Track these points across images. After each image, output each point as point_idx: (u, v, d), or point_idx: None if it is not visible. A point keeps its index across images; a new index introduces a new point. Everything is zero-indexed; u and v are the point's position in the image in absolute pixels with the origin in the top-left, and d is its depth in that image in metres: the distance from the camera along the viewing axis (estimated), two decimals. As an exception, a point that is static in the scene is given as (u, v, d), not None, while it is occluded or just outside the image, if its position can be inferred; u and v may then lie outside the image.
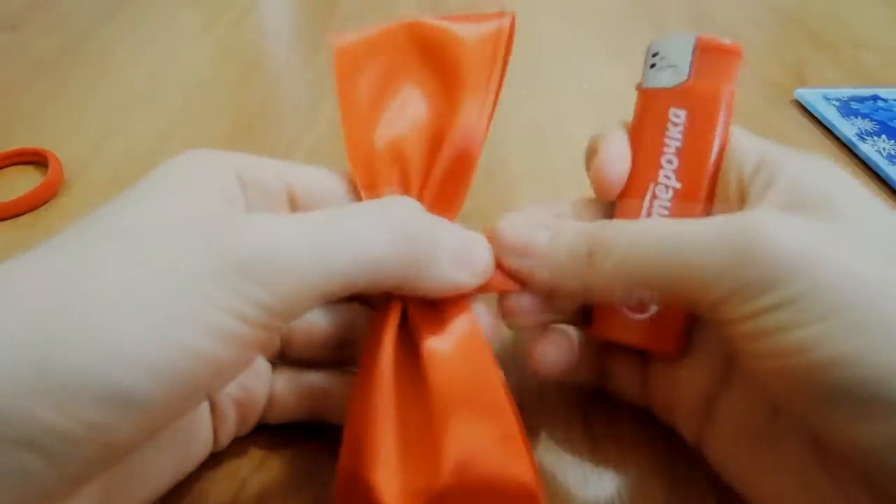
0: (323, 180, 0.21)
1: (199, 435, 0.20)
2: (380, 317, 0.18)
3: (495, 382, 0.17)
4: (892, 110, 0.42)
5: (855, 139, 0.38)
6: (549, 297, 0.20)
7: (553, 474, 0.21)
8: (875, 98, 0.43)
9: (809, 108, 0.42)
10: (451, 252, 0.18)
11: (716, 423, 0.19)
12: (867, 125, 0.40)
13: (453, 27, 0.21)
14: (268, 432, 0.22)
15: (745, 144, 0.20)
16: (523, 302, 0.20)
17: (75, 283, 0.14)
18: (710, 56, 0.20)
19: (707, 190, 0.20)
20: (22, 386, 0.12)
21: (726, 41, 0.20)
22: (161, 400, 0.14)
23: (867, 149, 0.37)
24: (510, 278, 0.20)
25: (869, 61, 0.49)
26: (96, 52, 0.49)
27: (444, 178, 0.20)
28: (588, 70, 0.48)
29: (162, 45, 0.51)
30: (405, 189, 0.20)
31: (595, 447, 0.22)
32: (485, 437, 0.16)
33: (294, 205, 0.20)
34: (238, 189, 0.18)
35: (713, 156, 0.20)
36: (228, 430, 0.21)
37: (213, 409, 0.20)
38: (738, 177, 0.19)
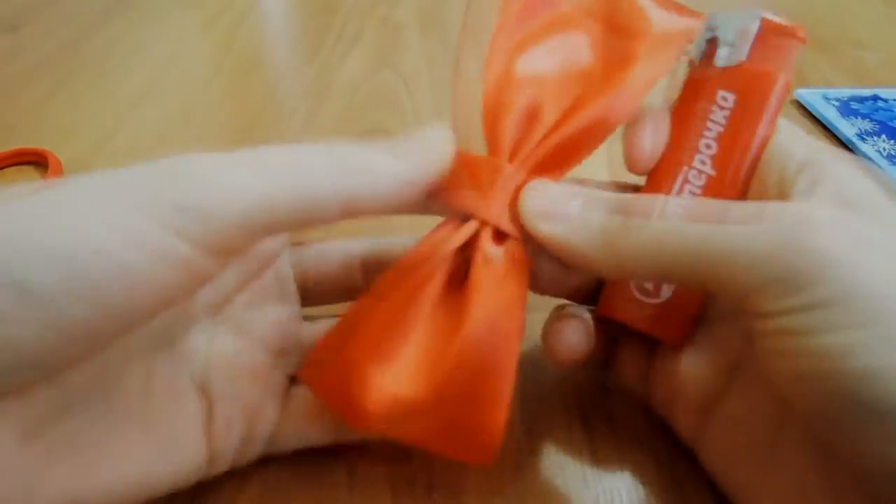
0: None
1: (181, 434, 0.18)
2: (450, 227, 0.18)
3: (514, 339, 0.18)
4: (891, 110, 0.42)
5: (855, 139, 0.38)
6: (567, 268, 0.19)
7: (553, 474, 0.21)
8: (875, 98, 0.43)
9: (809, 108, 0.42)
10: (386, 149, 0.16)
11: (714, 424, 0.19)
12: (867, 125, 0.40)
13: (648, 6, 0.20)
14: (268, 432, 0.22)
15: (791, 138, 0.19)
16: (545, 270, 0.19)
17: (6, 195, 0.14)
18: (772, 38, 0.18)
19: (742, 182, 0.19)
20: None
21: (792, 23, 0.18)
22: (55, 290, 0.13)
23: (867, 149, 0.37)
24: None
25: (869, 61, 0.49)
26: (96, 52, 0.49)
27: (566, 139, 0.19)
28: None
29: (162, 46, 0.51)
30: (521, 129, 0.19)
31: (595, 447, 0.22)
32: (479, 385, 0.17)
33: None
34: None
35: (755, 146, 0.19)
36: (229, 443, 0.19)
37: (212, 412, 0.19)
38: (781, 172, 0.18)
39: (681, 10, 0.20)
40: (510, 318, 0.18)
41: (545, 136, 0.19)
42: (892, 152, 0.37)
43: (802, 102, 0.43)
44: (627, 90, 0.19)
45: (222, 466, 0.19)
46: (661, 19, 0.20)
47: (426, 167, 0.17)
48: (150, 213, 0.13)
